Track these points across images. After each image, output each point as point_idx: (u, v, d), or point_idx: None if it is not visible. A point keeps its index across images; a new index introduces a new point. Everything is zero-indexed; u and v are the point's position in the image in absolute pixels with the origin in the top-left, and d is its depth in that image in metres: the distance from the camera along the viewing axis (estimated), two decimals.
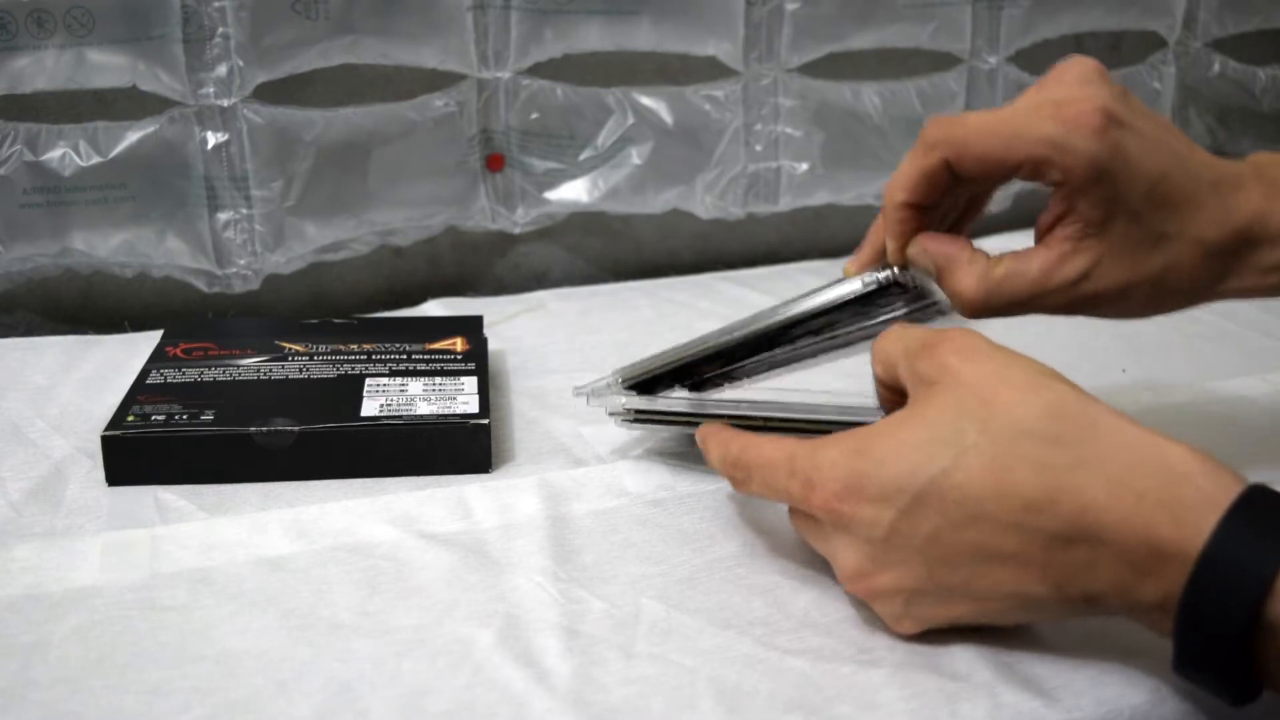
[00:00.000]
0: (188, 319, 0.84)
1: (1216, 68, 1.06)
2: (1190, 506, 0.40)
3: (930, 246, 0.54)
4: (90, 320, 0.84)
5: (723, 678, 0.45)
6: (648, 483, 0.60)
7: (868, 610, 0.49)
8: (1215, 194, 0.52)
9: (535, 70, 0.87)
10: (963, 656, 0.46)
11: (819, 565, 0.52)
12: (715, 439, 0.53)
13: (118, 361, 0.73)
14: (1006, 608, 0.44)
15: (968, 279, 0.53)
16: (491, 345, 0.71)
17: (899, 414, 0.46)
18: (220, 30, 0.78)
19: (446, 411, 0.61)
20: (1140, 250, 0.52)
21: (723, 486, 0.59)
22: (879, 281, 0.56)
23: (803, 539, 0.51)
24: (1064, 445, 0.42)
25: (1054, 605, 0.43)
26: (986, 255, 0.54)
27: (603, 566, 0.53)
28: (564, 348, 0.78)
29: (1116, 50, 1.04)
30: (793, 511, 0.51)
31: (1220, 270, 0.53)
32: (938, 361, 0.46)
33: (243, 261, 0.83)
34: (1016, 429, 0.43)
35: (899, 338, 0.49)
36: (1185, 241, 0.52)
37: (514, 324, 0.82)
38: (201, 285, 0.84)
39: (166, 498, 0.58)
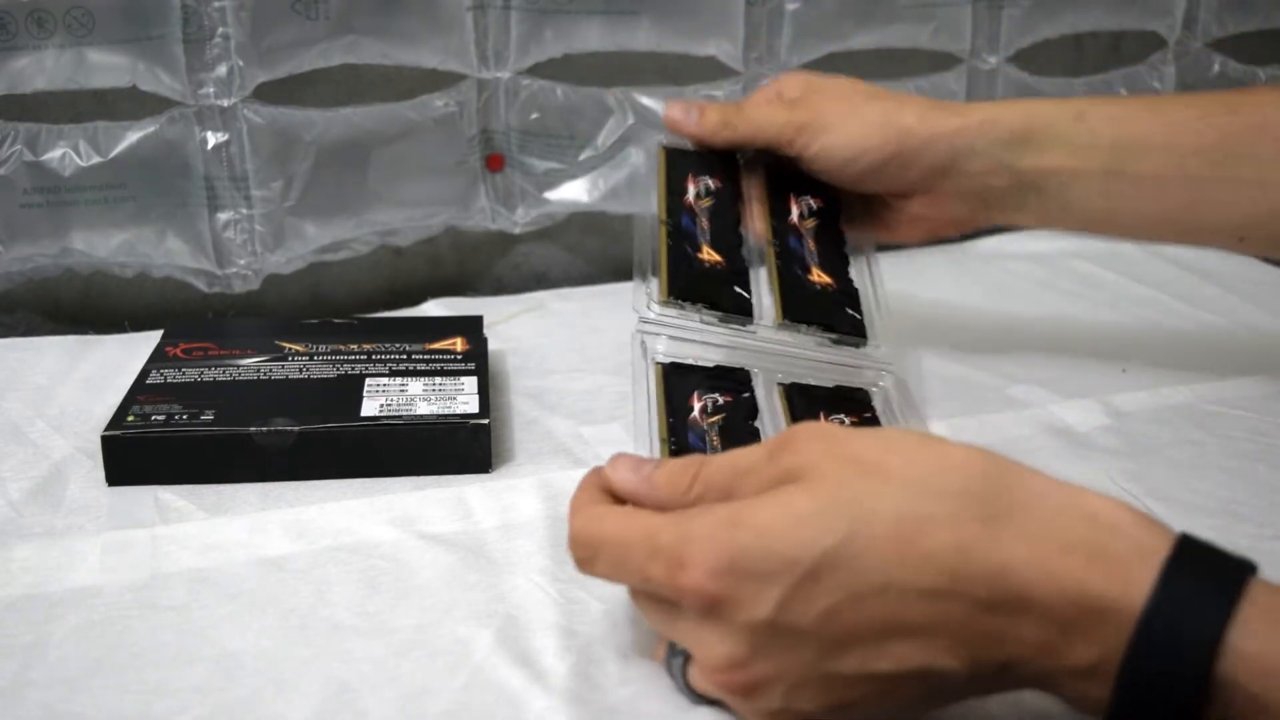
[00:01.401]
0: (188, 319, 0.84)
1: (1216, 68, 1.06)
2: (1122, 559, 0.36)
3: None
4: (90, 320, 0.84)
5: None
6: None
7: None
8: None
9: (535, 70, 0.87)
10: None
11: None
12: (572, 506, 0.44)
13: (118, 361, 0.73)
14: (904, 692, 0.39)
15: None
16: (491, 345, 0.71)
17: (778, 489, 0.40)
18: (220, 30, 0.78)
19: (446, 411, 0.61)
20: None
21: None
22: None
23: (650, 626, 0.44)
24: (974, 500, 0.38)
25: (963, 681, 0.38)
26: None
27: None
28: (564, 348, 0.78)
29: (1116, 50, 1.04)
30: (635, 593, 0.43)
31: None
32: (802, 449, 0.41)
33: (243, 261, 0.83)
34: (918, 489, 0.38)
35: (742, 454, 0.43)
36: None
37: (514, 324, 0.82)
38: (201, 285, 0.84)
39: (166, 498, 0.58)
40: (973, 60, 0.97)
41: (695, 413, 0.59)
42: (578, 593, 0.51)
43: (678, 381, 0.61)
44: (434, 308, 0.85)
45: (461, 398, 0.63)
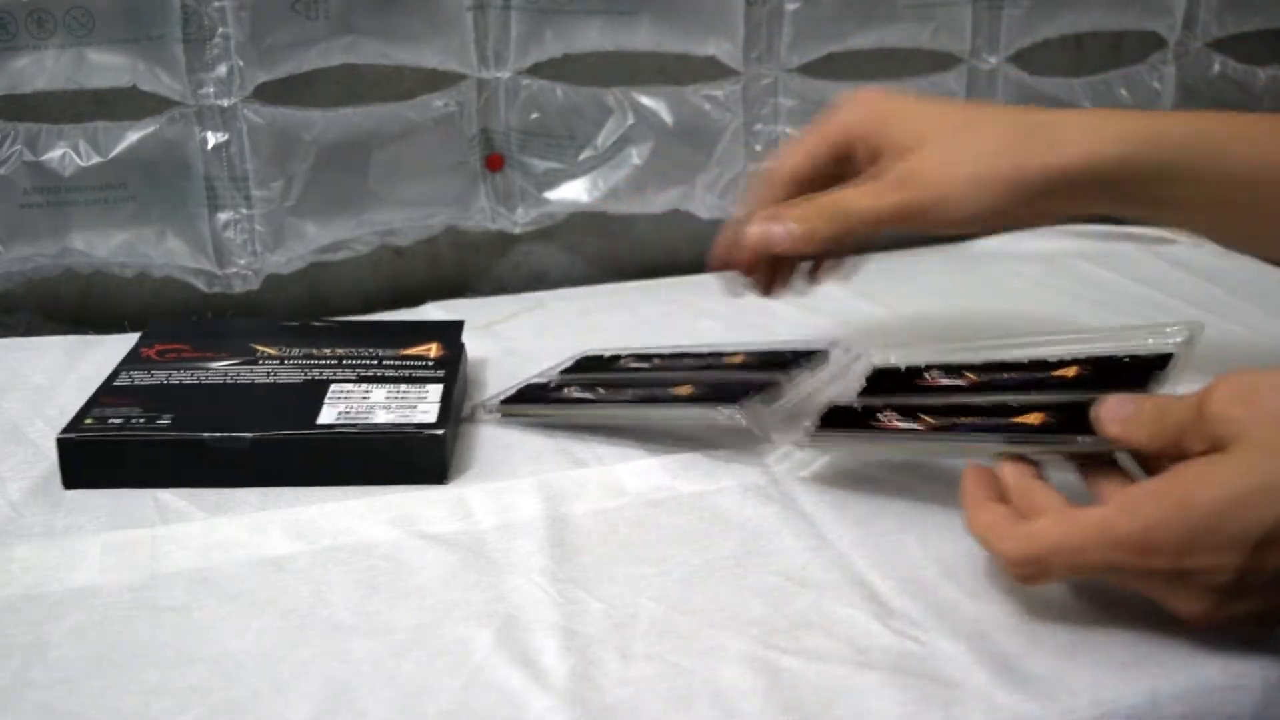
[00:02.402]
0: (170, 319, 0.83)
1: (1216, 68, 1.06)
2: None
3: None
4: (90, 320, 0.84)
5: (719, 679, 0.45)
6: (647, 483, 0.60)
7: (865, 612, 0.49)
8: None
9: (535, 70, 0.87)
10: (959, 659, 0.46)
11: (817, 566, 0.52)
12: (994, 533, 0.48)
13: (117, 362, 0.73)
14: None
15: None
16: (491, 346, 0.71)
17: (1208, 459, 0.45)
18: (220, 30, 0.78)
19: (403, 420, 0.60)
20: None
21: (722, 487, 0.59)
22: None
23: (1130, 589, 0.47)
24: None
25: None
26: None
27: (601, 567, 0.53)
28: (564, 348, 0.78)
29: (1116, 50, 1.04)
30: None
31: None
32: (1227, 411, 0.45)
33: (243, 261, 0.83)
34: None
35: (1155, 415, 0.48)
36: None
37: (513, 324, 0.82)
38: (201, 285, 0.84)
39: (166, 498, 0.58)
40: (973, 60, 0.97)
41: None
42: (577, 593, 0.51)
43: None
44: (433, 311, 0.85)
45: (423, 406, 0.61)
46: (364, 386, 0.63)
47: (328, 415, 0.61)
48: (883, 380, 0.64)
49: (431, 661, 0.46)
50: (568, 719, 0.43)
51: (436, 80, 0.86)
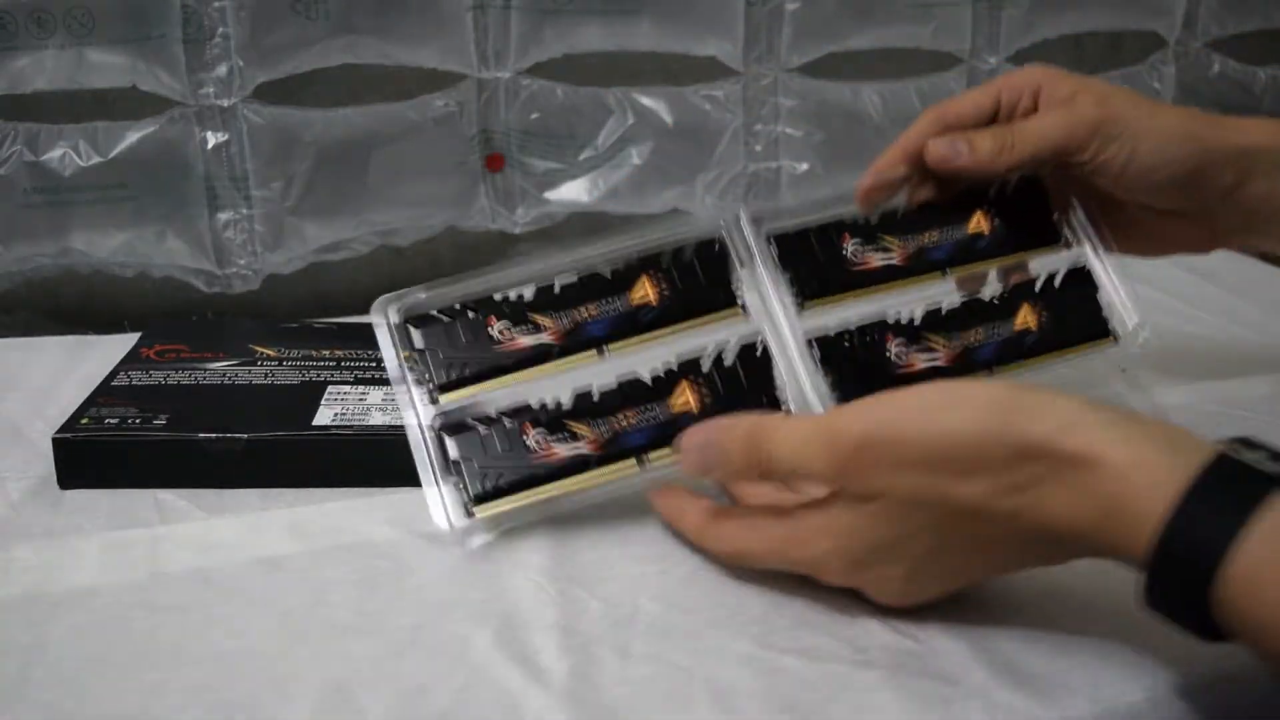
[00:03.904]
0: (169, 319, 0.83)
1: (1216, 68, 1.06)
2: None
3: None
4: (90, 320, 0.84)
5: (719, 678, 0.45)
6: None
7: (864, 611, 0.49)
8: None
9: (535, 70, 0.87)
10: (957, 657, 0.46)
11: None
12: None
13: (117, 362, 0.73)
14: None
15: None
16: None
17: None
18: (220, 30, 0.78)
19: (399, 422, 0.59)
20: None
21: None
22: None
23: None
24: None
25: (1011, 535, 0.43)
26: None
27: (601, 566, 0.53)
28: None
29: (1116, 50, 1.04)
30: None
31: None
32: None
33: (243, 261, 0.83)
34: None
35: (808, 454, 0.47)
36: None
37: None
38: (201, 285, 0.84)
39: (166, 498, 0.58)
40: (973, 60, 0.97)
41: None
42: (577, 592, 0.51)
43: None
44: None
45: None
46: (360, 389, 0.63)
47: (324, 417, 0.61)
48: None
49: (430, 661, 0.46)
50: (567, 718, 0.43)
51: (436, 80, 0.86)
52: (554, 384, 0.55)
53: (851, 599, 0.50)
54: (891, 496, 0.44)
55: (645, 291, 0.57)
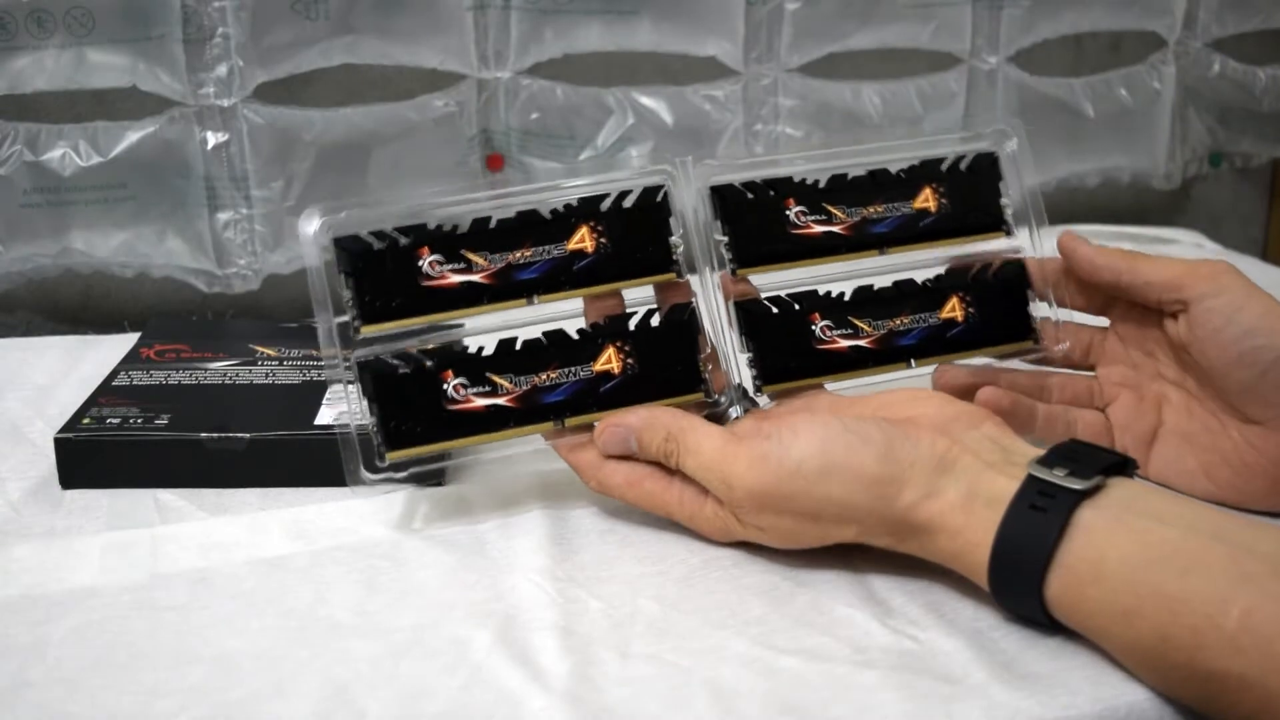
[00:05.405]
0: (169, 319, 0.83)
1: (1216, 68, 1.06)
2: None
3: None
4: (90, 320, 0.84)
5: (718, 678, 0.45)
6: None
7: (864, 611, 0.49)
8: None
9: (535, 70, 0.87)
10: (958, 657, 0.46)
11: (816, 566, 0.52)
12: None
13: (117, 362, 0.73)
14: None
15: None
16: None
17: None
18: (220, 30, 0.78)
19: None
20: None
21: None
22: None
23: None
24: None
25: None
26: None
27: (600, 566, 0.53)
28: None
29: (1116, 50, 1.04)
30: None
31: None
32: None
33: (243, 261, 0.83)
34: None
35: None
36: None
37: None
38: (201, 285, 0.84)
39: (166, 498, 0.58)
40: (973, 60, 0.97)
41: None
42: (577, 592, 0.51)
43: None
44: None
45: None
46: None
47: (325, 416, 0.61)
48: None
49: (430, 661, 0.46)
50: (567, 719, 0.43)
51: (436, 80, 0.86)
52: (478, 325, 0.55)
53: (852, 599, 0.50)
54: (774, 530, 0.51)
55: (584, 239, 0.56)
